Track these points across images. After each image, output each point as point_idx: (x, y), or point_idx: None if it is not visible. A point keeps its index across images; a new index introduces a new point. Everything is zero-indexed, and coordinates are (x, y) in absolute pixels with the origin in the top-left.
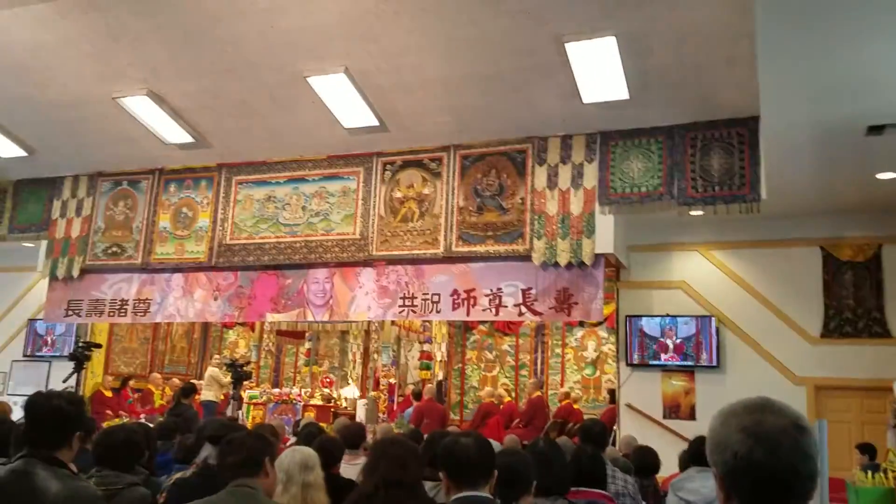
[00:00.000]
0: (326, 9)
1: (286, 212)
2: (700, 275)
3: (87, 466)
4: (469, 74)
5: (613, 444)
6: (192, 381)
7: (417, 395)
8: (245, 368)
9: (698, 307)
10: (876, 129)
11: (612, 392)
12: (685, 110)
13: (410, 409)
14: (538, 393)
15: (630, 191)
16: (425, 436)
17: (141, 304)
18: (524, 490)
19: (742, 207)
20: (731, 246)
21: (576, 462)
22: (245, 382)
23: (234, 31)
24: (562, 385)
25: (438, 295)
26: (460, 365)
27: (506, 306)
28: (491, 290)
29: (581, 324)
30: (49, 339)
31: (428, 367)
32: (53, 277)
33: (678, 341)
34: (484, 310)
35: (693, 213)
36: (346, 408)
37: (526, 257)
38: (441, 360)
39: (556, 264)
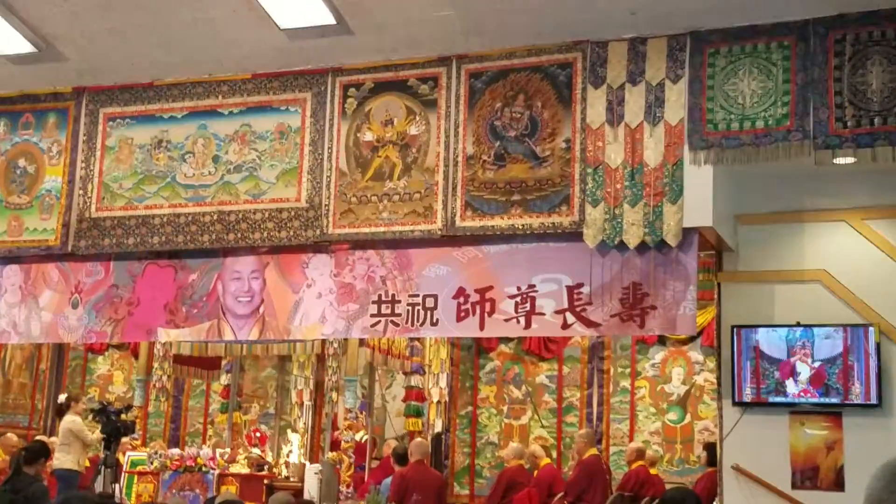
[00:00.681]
0: None
1: (187, 165)
2: (850, 259)
3: None
4: None
5: None
6: (39, 438)
7: (401, 458)
8: (124, 417)
9: (847, 310)
10: None
11: (710, 448)
12: None
13: (390, 480)
14: (593, 451)
15: (739, 127)
16: None
17: None
18: None
19: None
20: None
21: None
22: (125, 439)
23: None
24: (631, 438)
25: (434, 297)
26: (470, 408)
27: (542, 314)
28: (518, 289)
29: (662, 341)
30: None
31: (418, 413)
32: None
33: (815, 365)
34: (507, 320)
35: (839, 160)
36: (287, 478)
37: (574, 235)
38: (440, 402)
39: (623, 246)
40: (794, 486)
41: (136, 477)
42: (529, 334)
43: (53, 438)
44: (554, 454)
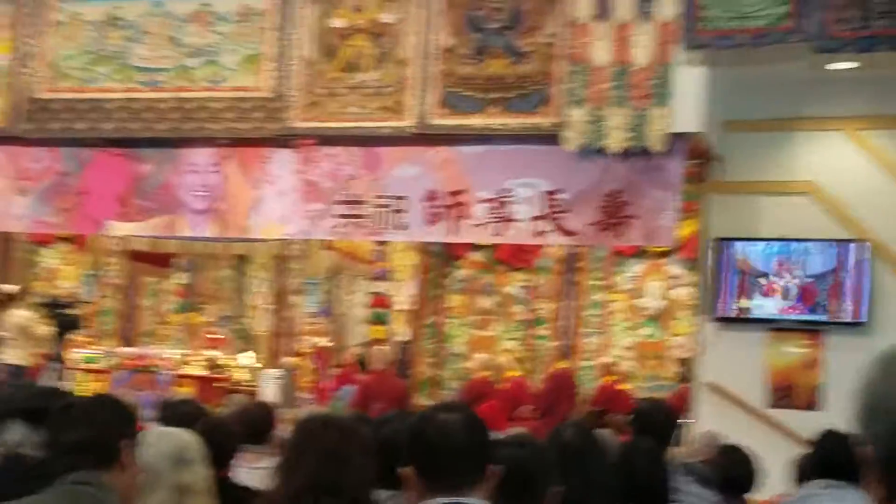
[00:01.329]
0: None
1: (142, 47)
2: (843, 172)
3: None
4: None
5: (684, 443)
6: None
7: (363, 364)
8: (72, 311)
9: (837, 225)
10: None
11: (684, 363)
12: None
13: (351, 387)
14: (564, 365)
15: (735, 26)
16: None
17: None
18: (538, 499)
19: None
20: None
21: (624, 464)
22: (73, 335)
23: None
24: (603, 353)
25: (404, 199)
26: (436, 318)
27: (517, 220)
28: (493, 193)
29: (640, 252)
30: None
31: (382, 320)
32: None
33: (801, 282)
34: (479, 226)
35: (836, 65)
36: (244, 383)
37: (553, 137)
38: (405, 310)
39: (604, 151)
40: (769, 405)
41: (85, 375)
42: (502, 241)
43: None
44: (523, 367)
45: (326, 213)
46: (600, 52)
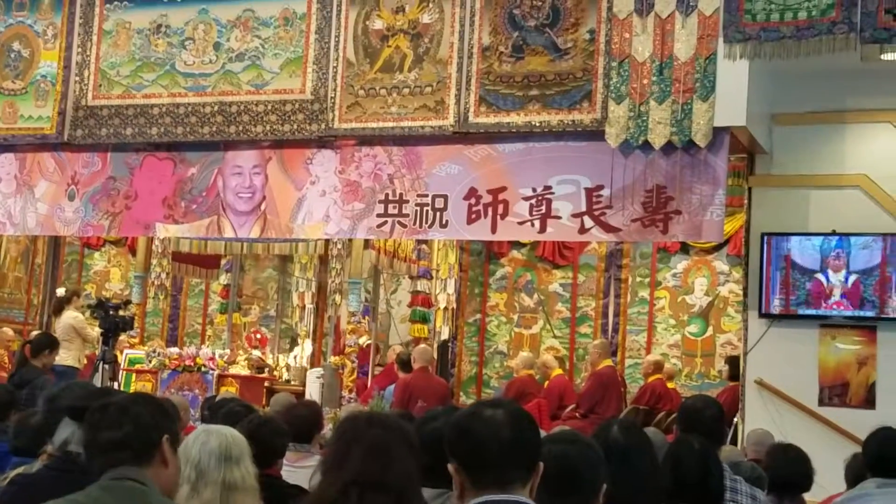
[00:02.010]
0: None
1: (188, 52)
2: (893, 163)
3: None
4: None
5: (734, 441)
6: (49, 333)
7: (405, 364)
8: (122, 313)
9: (888, 218)
10: None
11: (732, 362)
12: None
13: (394, 386)
14: (608, 362)
15: (780, 17)
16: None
17: None
18: (587, 497)
19: None
20: None
21: (673, 462)
22: (122, 336)
23: None
24: (648, 351)
25: (444, 197)
26: (479, 316)
27: (559, 218)
28: (534, 191)
29: (685, 249)
30: None
31: (424, 319)
32: None
33: (851, 277)
34: (521, 223)
35: (887, 55)
36: (288, 381)
37: (595, 134)
38: (447, 309)
39: (647, 146)
40: (821, 403)
41: (133, 375)
42: (544, 238)
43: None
44: (566, 365)
45: (368, 213)
46: (641, 46)
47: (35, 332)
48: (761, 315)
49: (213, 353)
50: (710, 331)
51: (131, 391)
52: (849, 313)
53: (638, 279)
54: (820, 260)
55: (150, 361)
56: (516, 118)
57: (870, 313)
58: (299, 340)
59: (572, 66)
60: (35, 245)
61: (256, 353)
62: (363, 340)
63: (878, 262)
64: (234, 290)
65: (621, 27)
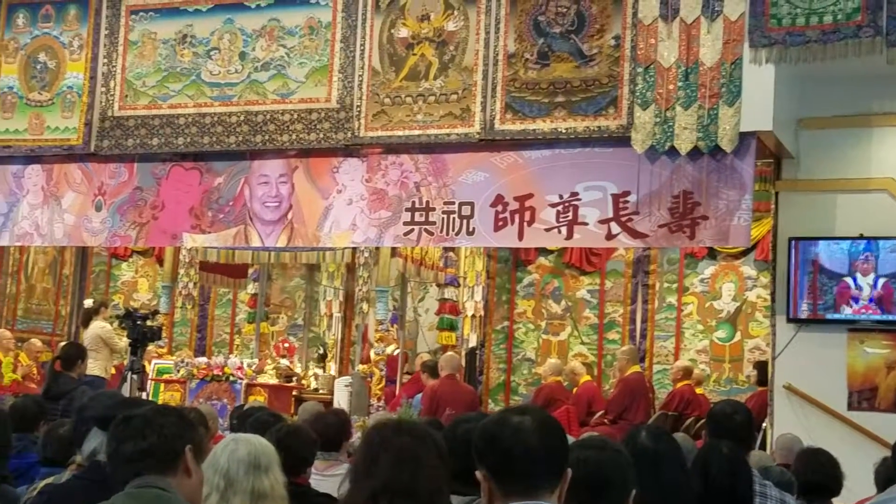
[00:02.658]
0: None
1: (213, 62)
2: None
3: None
4: None
5: (763, 447)
6: (77, 342)
7: (431, 370)
8: (150, 323)
9: None
10: None
11: (761, 367)
12: None
13: (421, 394)
14: (636, 369)
15: (805, 22)
16: None
17: None
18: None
19: None
20: None
21: (702, 468)
22: (150, 346)
23: None
24: (676, 357)
25: (471, 205)
26: (506, 323)
27: (585, 224)
28: (560, 197)
29: (712, 255)
30: None
31: (452, 327)
32: None
33: (879, 280)
34: (548, 230)
35: None
36: (316, 390)
37: (621, 140)
38: (475, 316)
39: (674, 151)
40: (850, 408)
41: (162, 385)
42: (571, 245)
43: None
44: (594, 371)
45: (395, 221)
46: (667, 52)
47: (62, 344)
48: (789, 320)
49: (242, 363)
50: (738, 336)
51: (159, 401)
52: (877, 317)
53: (665, 285)
54: (848, 264)
55: (178, 371)
56: (542, 125)
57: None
58: (323, 349)
59: (598, 72)
60: (63, 256)
61: (284, 361)
62: (391, 349)
63: None
64: (262, 300)
65: (646, 33)
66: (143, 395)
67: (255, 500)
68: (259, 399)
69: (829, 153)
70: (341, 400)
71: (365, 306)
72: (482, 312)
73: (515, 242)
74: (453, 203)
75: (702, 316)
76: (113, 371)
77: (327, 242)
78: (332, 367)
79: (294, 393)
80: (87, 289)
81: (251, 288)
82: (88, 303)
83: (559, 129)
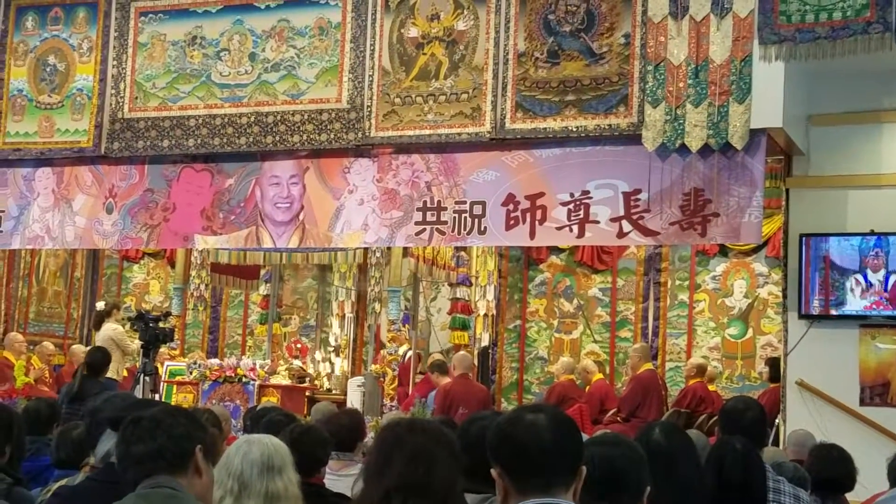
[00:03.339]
0: None
1: (223, 63)
2: None
3: None
4: None
5: (776, 443)
6: (102, 348)
7: (440, 367)
8: (162, 325)
9: None
10: None
11: (773, 363)
12: None
13: (434, 393)
14: (648, 366)
15: (814, 18)
16: None
17: None
18: (631, 500)
19: None
20: None
21: (716, 464)
22: (163, 348)
23: None
24: (688, 354)
25: (482, 204)
26: (519, 322)
27: (597, 222)
28: (571, 196)
29: (724, 252)
30: None
31: (464, 327)
32: None
33: (891, 276)
34: (560, 228)
35: None
36: (329, 390)
37: (632, 138)
38: (487, 315)
39: (684, 149)
40: (862, 403)
41: (174, 387)
42: (583, 243)
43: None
44: (606, 369)
45: (406, 221)
46: (676, 49)
47: (76, 347)
48: (801, 316)
49: (254, 364)
50: (749, 333)
51: (172, 403)
52: (888, 313)
53: (677, 282)
54: (859, 260)
55: (190, 373)
56: (553, 123)
57: None
58: (335, 349)
59: (608, 70)
60: (74, 259)
61: (297, 362)
62: (403, 349)
63: None
64: (274, 301)
65: (656, 31)
66: (156, 397)
67: (269, 503)
68: (272, 400)
69: (840, 149)
70: (354, 400)
71: (377, 306)
72: (494, 311)
73: (527, 241)
74: (465, 202)
75: (714, 313)
76: (125, 373)
77: (339, 243)
78: (344, 364)
79: (307, 393)
80: (99, 291)
81: (263, 289)
82: (101, 305)
83: (570, 128)
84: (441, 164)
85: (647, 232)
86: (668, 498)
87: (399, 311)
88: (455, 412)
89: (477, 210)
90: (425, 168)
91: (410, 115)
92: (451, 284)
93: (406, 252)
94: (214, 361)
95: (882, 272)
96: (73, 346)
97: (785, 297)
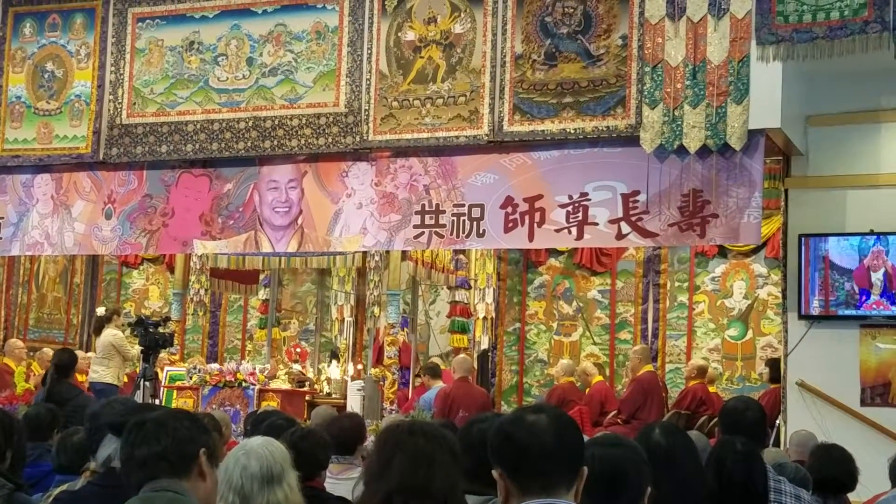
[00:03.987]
0: None
1: (221, 68)
2: None
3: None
4: None
5: (776, 444)
6: (69, 349)
7: (432, 372)
8: (162, 330)
9: None
10: None
11: (773, 364)
12: None
13: (428, 395)
14: (648, 368)
15: (812, 18)
16: None
17: None
18: (632, 501)
19: None
20: None
21: (717, 464)
22: (163, 353)
23: None
24: (688, 356)
25: (481, 207)
26: (518, 325)
27: (595, 224)
28: (570, 198)
29: (723, 253)
30: None
31: (464, 330)
32: None
33: (889, 276)
34: (558, 231)
35: None
36: (329, 394)
37: (630, 140)
38: (486, 318)
39: (682, 150)
40: (863, 403)
41: (175, 392)
42: (581, 245)
43: (90, 354)
44: (606, 372)
45: (405, 224)
46: (674, 51)
47: (46, 350)
48: (801, 317)
49: (254, 368)
50: (749, 334)
51: (172, 408)
52: (888, 313)
53: (676, 284)
54: (858, 260)
55: (190, 378)
56: (551, 126)
57: None
58: (339, 356)
59: (605, 72)
60: (73, 265)
61: (297, 367)
62: (403, 352)
63: None
64: (273, 305)
65: (653, 32)
66: (156, 402)
67: None
68: (272, 404)
69: (838, 149)
70: (354, 404)
71: (376, 310)
72: (493, 314)
73: (526, 244)
74: (463, 205)
75: (713, 314)
76: (125, 379)
77: (338, 247)
78: (340, 367)
79: (307, 398)
80: (98, 297)
81: (262, 294)
82: (101, 311)
83: (568, 130)
84: (439, 167)
85: (645, 233)
86: (669, 499)
87: (398, 314)
88: (455, 415)
89: (475, 213)
90: (423, 171)
91: (408, 118)
92: (450, 288)
93: (405, 255)
94: (214, 366)
95: (882, 272)
96: (44, 349)
97: (785, 297)
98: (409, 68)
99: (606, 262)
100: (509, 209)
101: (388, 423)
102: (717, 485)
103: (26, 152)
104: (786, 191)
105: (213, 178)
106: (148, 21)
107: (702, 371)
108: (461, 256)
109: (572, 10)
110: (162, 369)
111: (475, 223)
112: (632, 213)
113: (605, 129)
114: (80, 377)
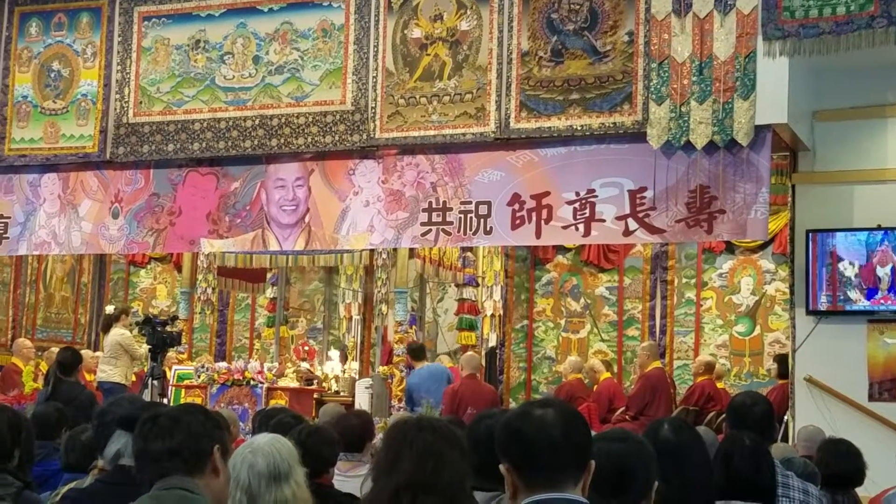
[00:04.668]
0: None
1: (227, 67)
2: None
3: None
4: None
5: (784, 439)
6: (72, 347)
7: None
8: (170, 328)
9: None
10: None
11: (781, 360)
12: None
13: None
14: (657, 364)
15: (818, 13)
16: None
17: None
18: (639, 495)
19: None
20: None
21: (725, 459)
22: (171, 352)
23: None
24: (696, 352)
25: (488, 204)
26: (526, 322)
27: (603, 221)
28: (577, 195)
29: (730, 249)
30: None
31: (471, 327)
32: None
33: None
34: (565, 227)
35: None
36: (337, 392)
37: (637, 136)
38: (494, 315)
39: (689, 146)
40: (871, 398)
41: (183, 391)
42: (589, 242)
43: (98, 353)
44: (614, 368)
45: (412, 222)
46: (680, 47)
47: (53, 349)
48: (809, 312)
49: (262, 367)
50: (757, 330)
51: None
52: (894, 308)
53: (684, 280)
54: (866, 255)
55: (198, 377)
56: (557, 122)
57: None
58: (342, 351)
59: (612, 68)
60: (81, 264)
61: (305, 365)
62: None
63: None
64: (281, 304)
65: (660, 28)
66: (165, 401)
67: None
68: (280, 403)
69: (845, 145)
70: (362, 402)
71: (384, 308)
72: (501, 312)
73: (533, 241)
74: (470, 203)
75: (721, 310)
76: (133, 378)
77: (345, 245)
78: (350, 366)
79: (315, 396)
80: (106, 296)
81: (270, 292)
82: (110, 309)
83: (574, 127)
84: (446, 164)
85: (653, 230)
86: (677, 494)
87: (406, 312)
88: (464, 412)
89: (482, 210)
90: (430, 169)
91: (415, 116)
92: (457, 285)
93: (412, 253)
94: (222, 365)
95: (889, 266)
96: (52, 349)
97: (792, 293)
98: (416, 66)
99: (614, 258)
100: (516, 206)
101: (397, 419)
102: (725, 480)
103: (33, 152)
104: (793, 186)
105: (220, 177)
106: (154, 20)
107: (710, 367)
108: (469, 254)
109: (578, 7)
110: (170, 368)
111: (482, 220)
112: (639, 209)
113: (611, 125)
114: (88, 376)
